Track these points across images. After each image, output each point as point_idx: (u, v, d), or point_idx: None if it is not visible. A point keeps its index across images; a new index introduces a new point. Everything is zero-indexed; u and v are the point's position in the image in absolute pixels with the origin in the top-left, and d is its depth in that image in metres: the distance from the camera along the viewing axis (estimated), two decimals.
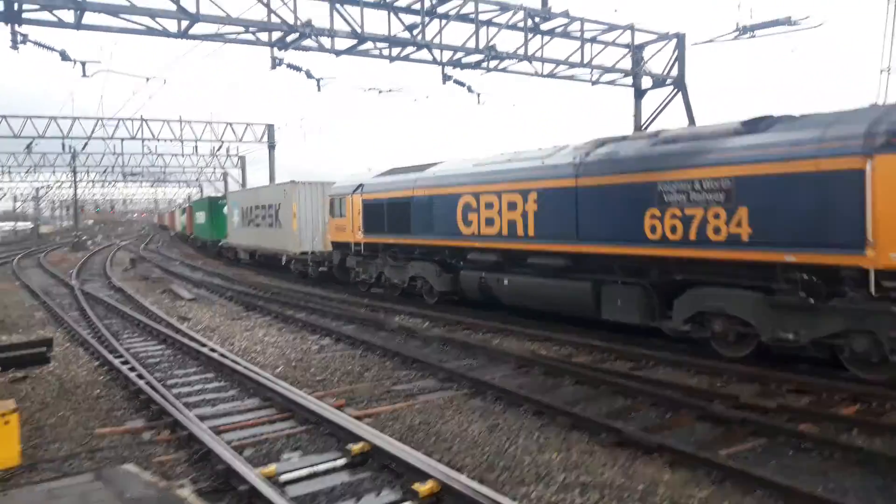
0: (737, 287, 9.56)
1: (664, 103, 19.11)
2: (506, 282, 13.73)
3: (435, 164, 16.65)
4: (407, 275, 16.99)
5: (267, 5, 13.57)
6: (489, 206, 13.85)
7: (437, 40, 15.73)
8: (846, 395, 7.97)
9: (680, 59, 18.80)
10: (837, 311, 8.37)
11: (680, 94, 18.79)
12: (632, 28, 18.53)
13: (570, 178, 11.92)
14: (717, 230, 9.52)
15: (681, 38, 18.78)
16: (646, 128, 19.02)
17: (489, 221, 13.88)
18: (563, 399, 8.16)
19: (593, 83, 19.15)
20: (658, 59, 19.08)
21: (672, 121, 19.03)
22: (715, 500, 5.27)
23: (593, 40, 18.08)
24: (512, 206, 13.26)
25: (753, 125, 9.56)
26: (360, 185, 18.82)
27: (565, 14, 16.99)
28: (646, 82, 19.48)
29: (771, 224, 8.85)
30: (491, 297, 14.42)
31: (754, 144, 9.15)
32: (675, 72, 18.90)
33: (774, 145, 8.87)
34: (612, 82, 19.45)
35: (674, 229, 10.11)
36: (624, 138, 11.94)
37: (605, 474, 5.79)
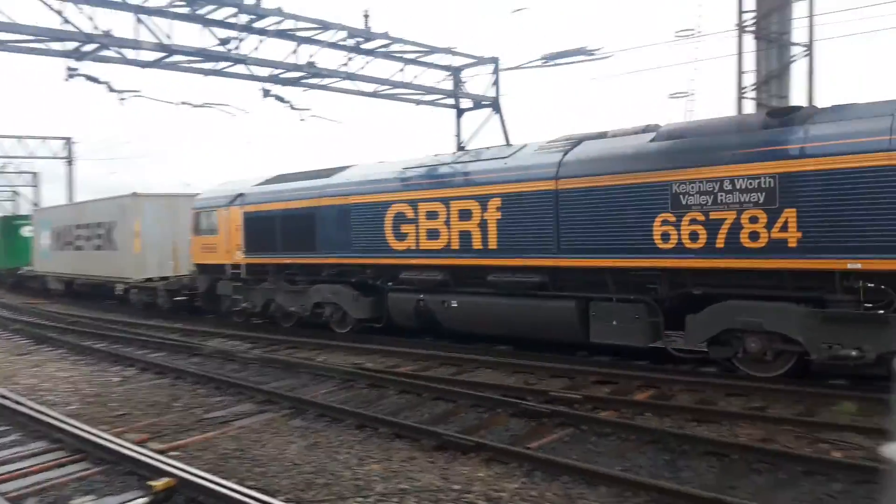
0: (777, 300, 8.38)
1: (483, 123, 20.17)
2: (454, 304, 11.60)
3: (345, 167, 14.10)
4: (310, 301, 14.13)
5: (60, 13, 13.02)
6: (432, 215, 11.68)
7: (256, 55, 15.59)
8: (641, 383, 8.85)
9: (497, 82, 19.96)
10: None
11: (497, 114, 20.00)
12: (450, 51, 19.09)
13: (548, 180, 10.17)
14: (754, 236, 8.28)
15: (496, 63, 19.84)
16: (465, 146, 19.48)
17: (432, 234, 11.70)
18: (387, 410, 8.14)
19: (417, 103, 19.89)
20: (477, 82, 20.19)
21: (490, 140, 20.44)
22: (525, 490, 5.51)
23: (415, 62, 18.59)
24: (465, 214, 11.21)
25: (786, 117, 8.51)
26: (240, 195, 15.60)
27: (385, 35, 17.09)
28: (465, 103, 20.36)
29: (827, 227, 7.75)
30: (431, 322, 12.20)
31: (804, 137, 8.05)
32: (492, 93, 19.96)
33: (831, 137, 7.82)
34: (433, 102, 20.18)
35: (694, 236, 8.74)
36: (603, 135, 10.48)
37: (423, 479, 5.85)
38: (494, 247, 10.87)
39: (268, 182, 15.47)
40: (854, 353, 7.75)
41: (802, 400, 7.86)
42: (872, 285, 7.65)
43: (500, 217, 10.77)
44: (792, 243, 8.00)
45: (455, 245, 11.39)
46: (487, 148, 12.26)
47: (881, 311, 7.62)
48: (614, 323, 9.73)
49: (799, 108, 8.60)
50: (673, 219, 8.91)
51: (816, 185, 7.81)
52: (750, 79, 13.49)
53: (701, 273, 8.89)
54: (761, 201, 8.19)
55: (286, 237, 14.33)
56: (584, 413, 7.50)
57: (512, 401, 7.91)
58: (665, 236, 9.00)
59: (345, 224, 13.17)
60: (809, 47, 13.19)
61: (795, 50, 13.32)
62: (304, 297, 14.27)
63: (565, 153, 10.25)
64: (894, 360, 5.73)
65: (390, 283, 12.79)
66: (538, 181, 10.28)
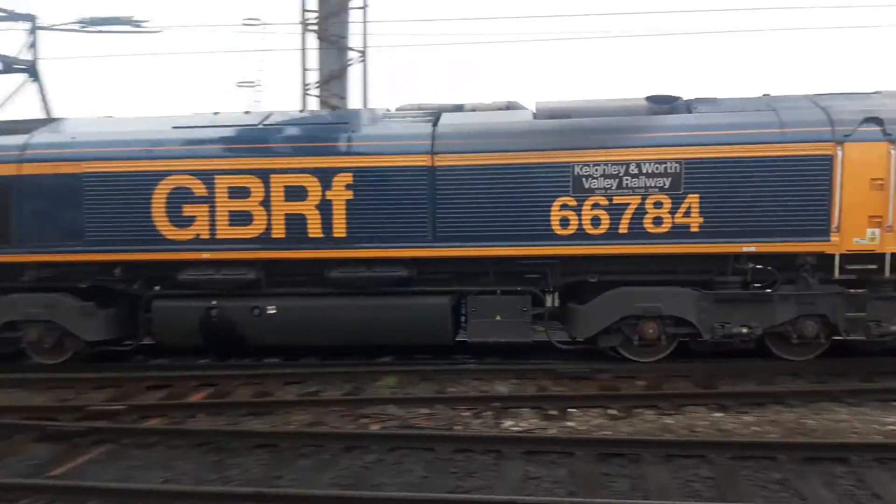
0: (670, 284, 8.52)
1: (16, 89, 16.15)
2: (270, 310, 8.91)
3: (59, 119, 9.62)
4: None
5: None
6: (240, 192, 8.74)
7: None
8: (199, 383, 8.48)
9: (35, 43, 16.25)
10: (791, 299, 8.35)
11: (35, 81, 16.23)
12: None
13: (421, 154, 8.51)
14: (658, 221, 8.26)
15: (34, 21, 16.27)
16: None
17: (240, 218, 8.76)
18: None
19: None
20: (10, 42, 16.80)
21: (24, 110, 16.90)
22: None
23: None
24: (296, 193, 8.67)
25: (669, 104, 8.71)
26: None
27: None
28: None
29: (726, 212, 8.17)
30: (229, 337, 9.16)
31: (704, 125, 8.30)
32: (28, 56, 16.35)
33: (729, 127, 8.23)
34: None
35: (597, 221, 8.33)
36: (460, 108, 9.28)
37: None
38: (342, 235, 8.65)
39: None
40: (744, 330, 8.37)
41: (353, 379, 8.42)
42: (760, 266, 8.37)
43: (350, 197, 8.61)
44: (694, 228, 8.23)
45: (279, 233, 8.72)
46: (314, 111, 9.78)
47: (768, 290, 8.39)
48: (498, 318, 8.69)
49: (675, 97, 8.91)
50: (574, 203, 8.33)
51: (718, 172, 8.17)
52: (314, 76, 13.67)
53: (598, 260, 8.53)
54: (666, 186, 8.22)
55: None
56: (127, 426, 6.90)
57: (35, 424, 6.77)
58: (564, 221, 8.35)
59: (71, 203, 8.95)
60: (364, 53, 14.01)
61: (352, 54, 13.88)
62: None
63: (434, 124, 8.74)
64: None
65: (157, 288, 9.18)
66: (408, 155, 8.52)
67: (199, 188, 8.76)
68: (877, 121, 7.94)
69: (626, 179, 8.25)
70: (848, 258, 8.09)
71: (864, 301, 8.19)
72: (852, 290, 8.20)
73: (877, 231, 7.98)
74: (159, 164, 8.82)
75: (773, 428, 6.61)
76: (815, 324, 8.33)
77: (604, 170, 8.27)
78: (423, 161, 8.48)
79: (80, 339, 9.22)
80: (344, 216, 8.62)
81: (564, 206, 8.34)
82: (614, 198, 8.28)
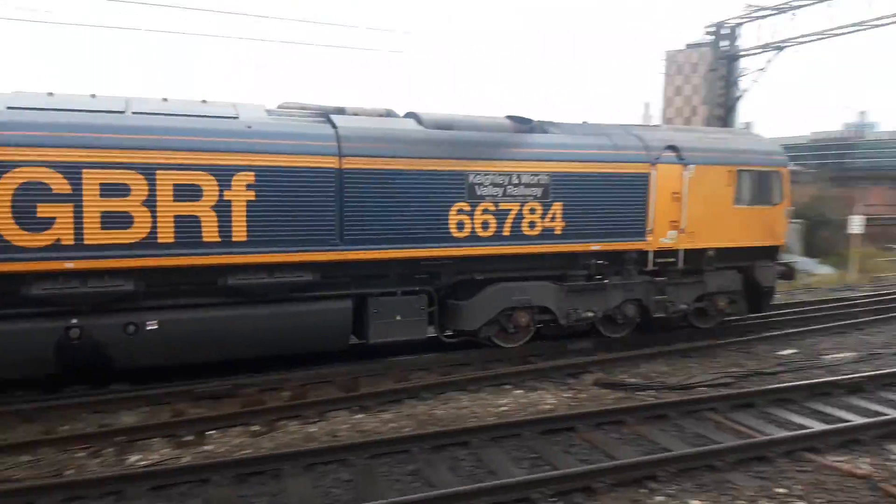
0: (535, 279, 9.90)
1: None
2: (151, 326, 7.80)
3: None
4: None
5: None
6: (115, 191, 7.45)
7: None
8: None
9: None
10: (619, 287, 10.41)
11: None
12: None
13: (329, 156, 8.36)
14: (532, 225, 9.57)
15: None
16: None
17: (114, 220, 7.47)
18: None
19: None
20: None
21: None
22: None
23: None
24: (189, 192, 7.75)
25: (527, 124, 10.06)
26: None
27: None
28: None
29: (579, 218, 9.85)
30: (94, 361, 7.69)
31: (567, 144, 9.82)
32: None
33: (584, 147, 9.90)
34: None
35: (486, 225, 9.28)
36: (342, 110, 9.28)
37: None
38: (242, 238, 8.02)
39: None
40: (590, 314, 10.20)
41: None
42: (600, 262, 10.25)
43: (252, 198, 8.03)
44: (558, 231, 9.74)
45: (167, 237, 7.68)
46: (203, 101, 8.57)
47: (605, 281, 10.32)
48: (398, 318, 9.04)
49: (528, 119, 10.26)
50: (468, 208, 9.14)
51: (575, 184, 9.80)
52: None
53: (486, 260, 9.48)
54: (539, 195, 9.57)
55: None
56: None
57: None
58: (460, 225, 9.12)
59: None
60: None
61: None
62: None
63: (333, 126, 8.64)
64: None
65: None
66: (316, 156, 8.29)
67: (59, 184, 7.20)
68: (674, 148, 10.45)
69: (510, 188, 9.37)
70: (656, 254, 10.49)
71: (663, 286, 10.70)
72: (657, 279, 10.64)
73: (675, 233, 10.50)
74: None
75: (409, 422, 7.25)
76: (633, 306, 10.58)
77: (492, 179, 9.25)
78: (331, 163, 8.35)
79: None
80: (244, 218, 8.01)
81: (460, 211, 9.09)
82: (500, 204, 9.33)
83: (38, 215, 7.15)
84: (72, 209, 7.27)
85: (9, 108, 7.28)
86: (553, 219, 9.68)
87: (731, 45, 22.25)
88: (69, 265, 7.32)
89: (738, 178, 10.84)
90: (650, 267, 10.50)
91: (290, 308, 8.42)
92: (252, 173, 8.00)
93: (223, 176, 7.87)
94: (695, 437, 6.88)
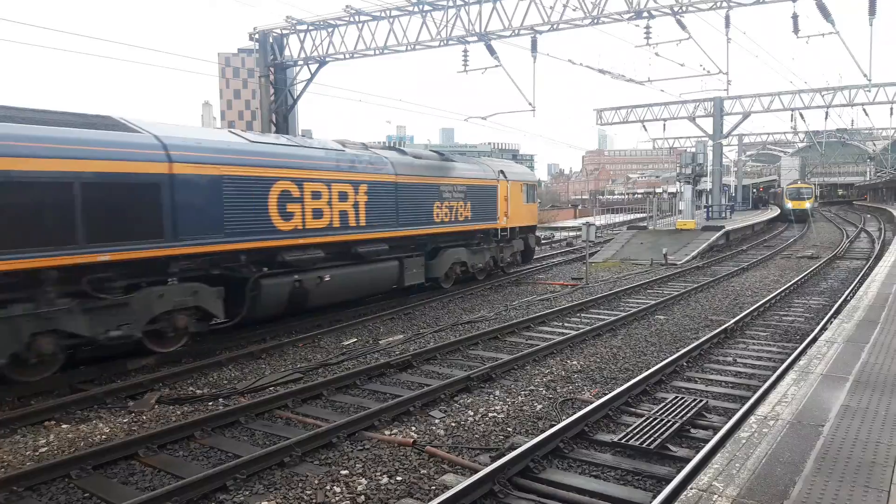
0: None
1: None
2: (327, 278, 12.69)
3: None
4: None
5: None
6: (316, 195, 12.28)
7: None
8: None
9: None
10: (485, 248, 18.29)
11: None
12: None
13: (389, 174, 14.27)
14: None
15: None
16: None
17: (315, 213, 12.28)
18: None
19: None
20: None
21: None
22: None
23: None
24: (343, 196, 12.94)
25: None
26: None
27: None
28: None
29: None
30: (303, 301, 12.18)
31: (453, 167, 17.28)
32: None
33: (469, 171, 17.51)
34: None
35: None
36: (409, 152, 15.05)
37: None
38: (363, 224, 13.44)
39: None
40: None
41: None
42: (482, 236, 17.98)
43: (367, 200, 13.52)
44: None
45: (335, 223, 12.72)
46: (337, 141, 13.08)
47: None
48: (414, 271, 15.25)
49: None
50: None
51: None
52: None
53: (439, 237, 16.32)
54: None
55: None
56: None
57: None
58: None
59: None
60: None
61: None
62: None
63: (390, 159, 14.45)
64: None
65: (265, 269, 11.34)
66: (386, 175, 14.11)
67: (295, 191, 11.79)
68: (503, 172, 18.85)
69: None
70: (501, 230, 18.74)
71: (502, 249, 19.05)
72: (501, 244, 18.94)
73: (506, 218, 18.89)
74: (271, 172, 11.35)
75: None
76: (491, 259, 18.66)
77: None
78: (391, 179, 14.29)
79: None
80: (364, 211, 13.44)
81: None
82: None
83: (287, 210, 11.60)
84: (300, 207, 11.87)
85: (255, 141, 11.50)
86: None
87: (280, 55, 21.81)
88: (301, 241, 11.89)
89: (524, 188, 19.86)
90: (499, 237, 18.70)
91: (377, 265, 13.98)
92: (366, 185, 13.48)
93: (356, 186, 13.20)
94: (265, 437, 7.04)
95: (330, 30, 20.74)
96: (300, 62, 21.84)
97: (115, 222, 8.97)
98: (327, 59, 21.19)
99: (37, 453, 6.69)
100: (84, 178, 8.59)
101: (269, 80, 21.86)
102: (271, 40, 21.72)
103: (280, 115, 22.11)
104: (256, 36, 21.71)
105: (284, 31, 21.67)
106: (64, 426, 7.53)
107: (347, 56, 20.65)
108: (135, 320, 9.41)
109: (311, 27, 20.97)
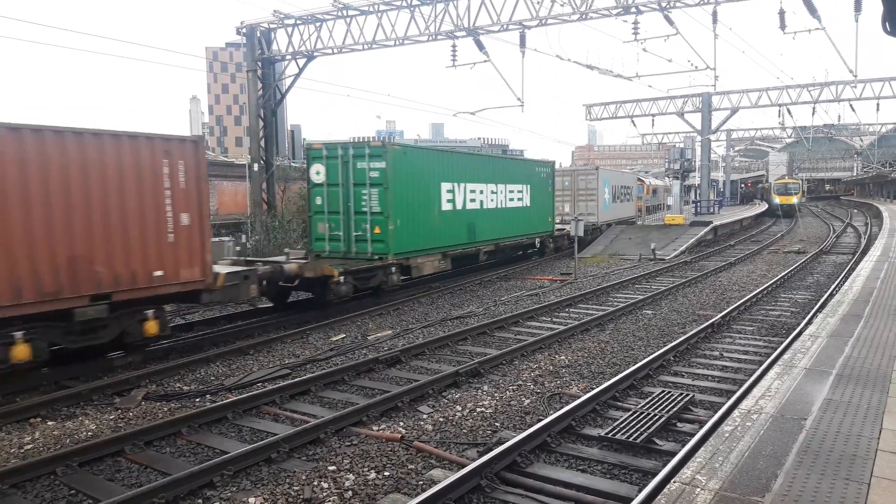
0: None
1: None
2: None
3: None
4: None
5: None
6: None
7: None
8: None
9: None
10: None
11: None
12: None
13: None
14: None
15: None
16: None
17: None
18: None
19: None
20: None
21: None
22: None
23: None
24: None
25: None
26: None
27: None
28: None
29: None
30: None
31: None
32: None
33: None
34: None
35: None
36: None
37: None
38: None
39: None
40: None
41: None
42: None
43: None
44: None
45: None
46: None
47: None
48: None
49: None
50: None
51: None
52: None
53: None
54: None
55: None
56: None
57: None
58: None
59: None
60: None
61: None
62: None
63: None
64: None
65: None
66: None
67: None
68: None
69: None
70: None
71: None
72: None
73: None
74: None
75: None
76: None
77: None
78: None
79: None
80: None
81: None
82: None
83: None
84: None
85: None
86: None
87: (268, 49, 21.64)
88: None
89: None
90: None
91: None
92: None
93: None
94: (253, 433, 7.04)
95: (318, 24, 20.55)
96: (288, 57, 21.56)
97: None
98: (315, 53, 20.95)
99: (22, 450, 6.62)
100: None
101: (256, 75, 21.76)
102: (259, 34, 21.64)
103: (268, 110, 22.07)
104: (244, 30, 21.41)
105: (272, 26, 21.38)
106: (49, 423, 7.47)
107: (336, 51, 20.66)
108: None
109: (298, 21, 20.95)
